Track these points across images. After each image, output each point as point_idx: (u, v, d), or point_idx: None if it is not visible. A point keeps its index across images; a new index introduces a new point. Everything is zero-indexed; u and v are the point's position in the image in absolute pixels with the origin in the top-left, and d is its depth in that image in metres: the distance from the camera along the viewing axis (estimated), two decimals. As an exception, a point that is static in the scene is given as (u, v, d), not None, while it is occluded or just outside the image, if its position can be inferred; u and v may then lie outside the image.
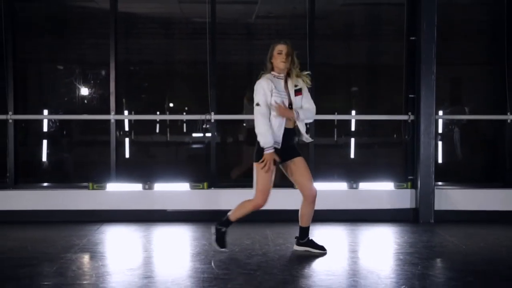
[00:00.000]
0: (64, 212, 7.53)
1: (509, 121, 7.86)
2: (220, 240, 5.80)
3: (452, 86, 8.64)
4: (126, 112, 8.06)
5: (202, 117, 7.74)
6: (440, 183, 7.87)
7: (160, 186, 7.77)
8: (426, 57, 7.51)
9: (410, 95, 7.78)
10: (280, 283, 4.81)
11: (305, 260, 5.64)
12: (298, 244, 5.93)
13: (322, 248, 5.86)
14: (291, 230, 6.89)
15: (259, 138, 5.49)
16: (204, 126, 7.78)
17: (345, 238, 6.82)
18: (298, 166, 5.69)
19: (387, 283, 4.88)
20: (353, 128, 8.28)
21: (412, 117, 7.77)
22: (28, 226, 7.19)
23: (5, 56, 7.69)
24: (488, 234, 6.88)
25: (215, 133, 7.81)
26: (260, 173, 5.54)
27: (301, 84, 5.68)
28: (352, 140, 8.35)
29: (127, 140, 8.16)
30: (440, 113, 8.11)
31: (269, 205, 7.45)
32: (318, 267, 5.42)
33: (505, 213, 7.66)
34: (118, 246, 6.41)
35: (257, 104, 5.51)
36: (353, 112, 8.28)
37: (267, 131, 5.45)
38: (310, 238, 5.91)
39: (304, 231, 5.87)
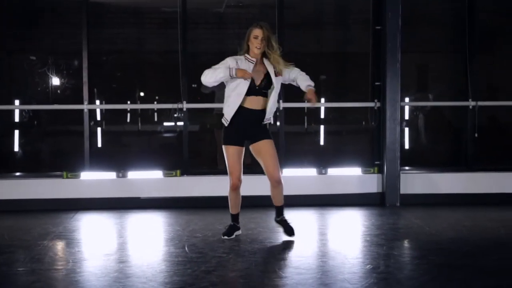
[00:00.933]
0: (39, 201, 7.65)
1: (470, 107, 8.15)
2: (227, 231, 6.01)
3: (417, 73, 8.89)
4: (97, 102, 8.18)
5: (174, 106, 7.90)
6: (407, 167, 8.14)
7: (133, 174, 7.92)
8: (392, 46, 7.77)
9: (376, 83, 8.03)
10: (252, 265, 5.02)
11: (276, 243, 5.85)
12: (275, 220, 6.11)
13: (290, 232, 5.96)
14: (262, 215, 7.13)
15: (206, 78, 5.67)
16: (176, 115, 7.94)
17: (314, 222, 7.06)
18: (262, 150, 5.80)
19: (354, 263, 5.11)
20: (322, 116, 8.49)
21: (378, 104, 8.02)
22: (4, 215, 7.31)
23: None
24: (450, 215, 7.18)
25: (187, 122, 7.97)
26: (226, 155, 5.77)
27: (281, 67, 5.75)
28: (322, 127, 8.55)
29: (99, 129, 8.27)
30: (407, 100, 8.37)
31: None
32: (288, 249, 5.63)
33: (466, 196, 7.95)
34: (93, 233, 6.56)
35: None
36: (322, 100, 8.49)
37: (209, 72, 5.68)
38: (284, 218, 6.05)
39: (278, 210, 6.05)
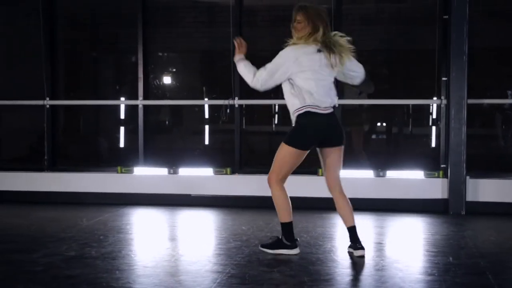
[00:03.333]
0: (93, 194, 7.79)
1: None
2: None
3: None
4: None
5: (226, 102, 7.70)
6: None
7: (184, 171, 7.83)
8: (457, 37, 7.00)
9: (443, 78, 7.30)
10: (287, 278, 4.70)
11: (326, 250, 5.40)
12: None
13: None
14: (299, 218, 6.72)
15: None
16: (227, 111, 7.73)
17: (370, 228, 6.52)
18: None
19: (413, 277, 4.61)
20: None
21: (445, 102, 7.28)
22: (55, 206, 7.53)
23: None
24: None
25: (239, 119, 7.74)
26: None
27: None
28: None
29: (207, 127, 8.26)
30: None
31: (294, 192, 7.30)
32: (336, 259, 5.11)
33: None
34: (130, 227, 6.52)
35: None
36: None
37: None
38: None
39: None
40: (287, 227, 5.14)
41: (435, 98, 7.45)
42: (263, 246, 5.26)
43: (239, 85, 7.58)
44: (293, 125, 5.07)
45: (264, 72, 5.04)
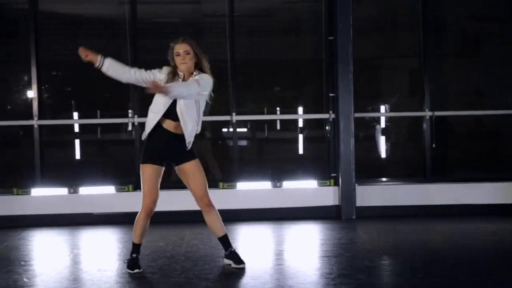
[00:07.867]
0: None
1: (427, 117, 8.02)
2: (132, 265, 5.31)
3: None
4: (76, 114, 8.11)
5: (125, 120, 7.84)
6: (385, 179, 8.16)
7: (85, 190, 7.83)
8: (343, 57, 7.65)
9: (331, 94, 7.92)
10: (174, 286, 4.91)
11: (210, 260, 5.70)
12: (225, 257, 5.52)
13: (240, 262, 5.38)
14: (209, 231, 7.01)
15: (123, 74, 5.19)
16: (129, 129, 7.89)
17: (269, 237, 6.94)
18: (188, 172, 5.28)
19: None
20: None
21: (333, 116, 7.90)
22: None
23: None
24: (403, 229, 7.06)
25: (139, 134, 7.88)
26: (144, 175, 5.19)
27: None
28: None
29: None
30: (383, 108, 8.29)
31: (190, 206, 7.56)
32: (218, 266, 5.50)
33: (425, 207, 7.82)
34: (40, 251, 6.44)
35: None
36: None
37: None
38: (233, 250, 5.43)
39: (222, 242, 5.46)
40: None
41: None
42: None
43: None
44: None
45: (197, 85, 5.07)
